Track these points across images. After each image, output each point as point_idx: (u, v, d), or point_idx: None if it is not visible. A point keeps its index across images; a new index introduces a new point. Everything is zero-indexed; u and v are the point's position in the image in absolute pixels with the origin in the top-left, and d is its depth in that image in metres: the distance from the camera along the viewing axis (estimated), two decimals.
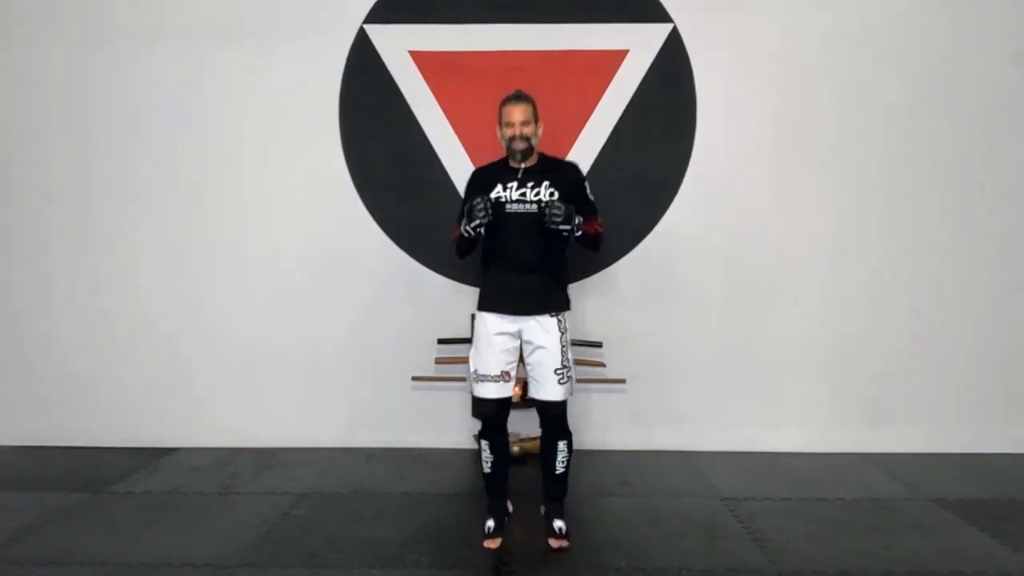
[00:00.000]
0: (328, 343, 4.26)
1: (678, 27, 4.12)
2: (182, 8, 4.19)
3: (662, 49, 4.12)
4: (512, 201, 2.92)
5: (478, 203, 2.84)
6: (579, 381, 4.08)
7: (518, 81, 4.04)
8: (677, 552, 2.94)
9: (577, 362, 4.03)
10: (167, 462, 4.05)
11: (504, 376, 2.94)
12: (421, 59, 4.17)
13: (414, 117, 4.17)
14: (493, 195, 2.93)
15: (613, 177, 4.14)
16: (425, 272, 4.21)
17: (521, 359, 3.04)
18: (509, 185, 2.95)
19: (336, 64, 4.18)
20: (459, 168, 4.13)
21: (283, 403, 4.28)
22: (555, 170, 3.03)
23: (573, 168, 3.13)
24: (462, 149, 4.15)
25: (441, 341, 4.06)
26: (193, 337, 4.29)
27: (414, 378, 4.16)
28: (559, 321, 2.97)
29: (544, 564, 2.85)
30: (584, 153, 4.13)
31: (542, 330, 2.94)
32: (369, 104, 4.19)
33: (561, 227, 2.84)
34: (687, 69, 4.13)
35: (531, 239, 2.91)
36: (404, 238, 4.22)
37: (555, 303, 2.98)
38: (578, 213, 2.89)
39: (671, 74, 4.13)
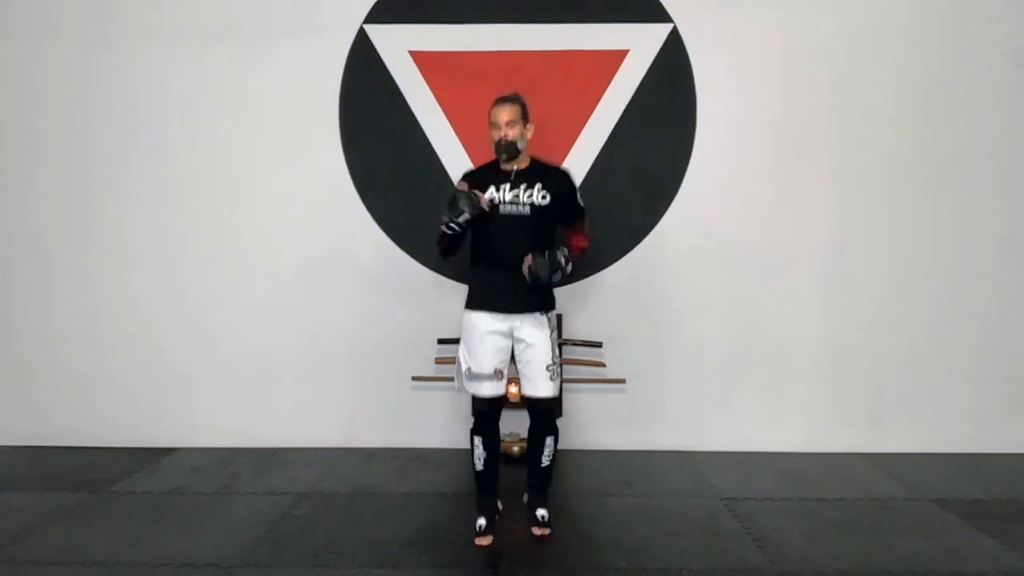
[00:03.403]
0: (328, 343, 4.26)
1: (678, 27, 4.12)
2: (181, 8, 4.19)
3: (662, 49, 4.13)
4: (505, 203, 2.96)
5: (462, 195, 2.84)
6: (579, 381, 4.13)
7: (518, 81, 4.06)
8: (677, 552, 2.94)
9: (577, 362, 4.06)
10: (167, 462, 4.05)
11: (497, 374, 3.01)
12: (421, 59, 4.17)
13: (414, 117, 4.18)
14: (486, 196, 2.95)
15: (613, 177, 4.15)
16: (425, 272, 4.21)
17: (512, 357, 3.09)
18: (502, 187, 2.98)
19: (336, 64, 4.18)
20: (459, 168, 4.09)
21: (283, 403, 4.28)
22: (548, 175, 3.05)
23: (565, 175, 3.14)
24: (462, 149, 4.15)
25: (441, 341, 4.06)
26: (193, 337, 4.29)
27: (414, 378, 4.16)
28: (548, 319, 3.03)
29: (543, 563, 2.85)
30: (584, 153, 4.14)
31: (533, 328, 2.99)
32: (369, 104, 4.19)
33: (552, 279, 2.93)
34: (687, 69, 4.13)
35: (523, 240, 2.95)
36: (404, 238, 4.22)
37: (546, 302, 3.04)
38: (567, 221, 3.09)
39: (671, 74, 4.13)
